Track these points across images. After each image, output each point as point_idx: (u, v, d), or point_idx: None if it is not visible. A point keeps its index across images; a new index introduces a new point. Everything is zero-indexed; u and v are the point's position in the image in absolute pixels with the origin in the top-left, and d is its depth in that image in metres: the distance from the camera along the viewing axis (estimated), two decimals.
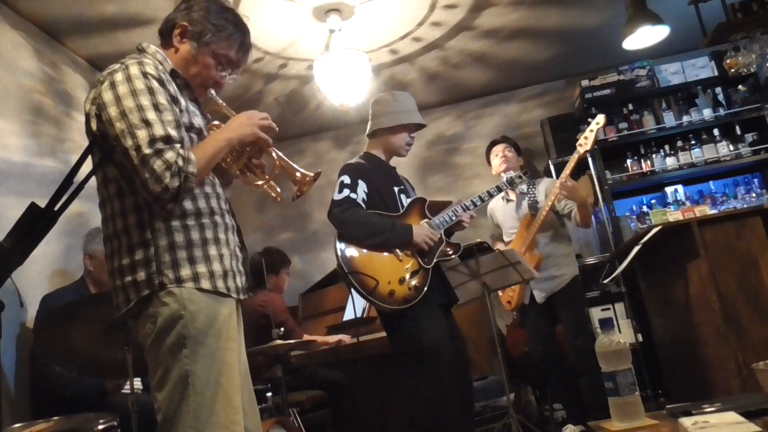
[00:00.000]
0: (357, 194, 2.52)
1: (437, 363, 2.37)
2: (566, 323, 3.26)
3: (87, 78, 3.57)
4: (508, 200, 3.52)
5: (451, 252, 2.65)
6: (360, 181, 2.56)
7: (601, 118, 3.20)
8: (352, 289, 2.46)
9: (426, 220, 2.66)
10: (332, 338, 3.64)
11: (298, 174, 1.66)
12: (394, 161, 2.80)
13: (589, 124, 4.54)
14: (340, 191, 2.52)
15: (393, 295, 2.43)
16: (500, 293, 3.50)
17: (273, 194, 1.71)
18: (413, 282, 2.48)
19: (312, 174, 1.67)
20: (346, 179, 2.55)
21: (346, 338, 3.62)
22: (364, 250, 2.49)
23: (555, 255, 3.30)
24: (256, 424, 1.61)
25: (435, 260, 2.58)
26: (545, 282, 3.28)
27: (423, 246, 2.54)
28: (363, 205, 2.53)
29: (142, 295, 1.43)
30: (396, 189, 2.68)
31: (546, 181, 3.52)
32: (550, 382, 3.45)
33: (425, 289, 2.47)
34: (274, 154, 1.68)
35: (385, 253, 2.51)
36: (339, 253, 2.47)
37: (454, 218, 2.67)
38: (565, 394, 3.32)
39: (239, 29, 1.71)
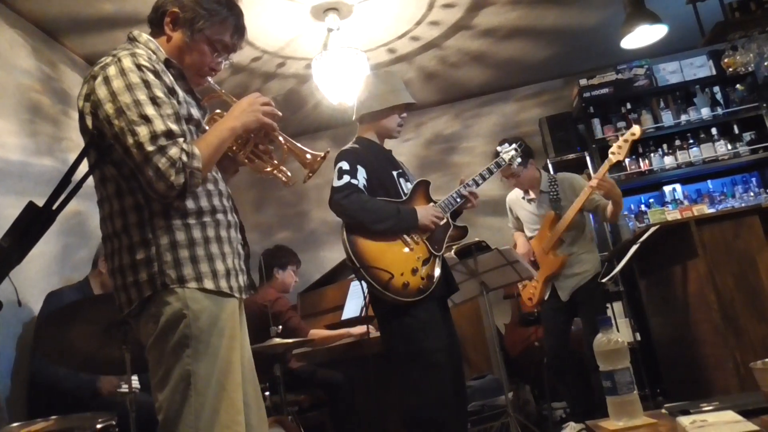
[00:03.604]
0: (357, 180, 2.42)
1: (434, 364, 2.33)
2: (585, 318, 3.25)
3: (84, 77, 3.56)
4: (530, 199, 3.45)
5: (458, 236, 2.60)
6: (359, 167, 2.45)
7: (636, 130, 3.14)
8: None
9: (431, 203, 2.57)
10: (356, 330, 3.47)
11: (308, 155, 1.63)
12: (389, 145, 2.71)
13: (587, 124, 4.64)
14: (340, 177, 2.41)
15: (407, 287, 2.34)
16: (521, 287, 3.49)
17: (284, 178, 1.68)
18: (425, 271, 2.40)
19: (322, 153, 1.64)
20: (345, 165, 2.44)
21: (354, 331, 3.55)
22: (374, 242, 2.39)
23: (578, 252, 3.28)
24: (261, 419, 1.59)
25: (445, 246, 2.52)
26: (569, 279, 3.26)
27: (430, 226, 2.46)
28: (365, 191, 2.43)
29: (144, 296, 1.41)
30: (394, 173, 2.59)
31: (569, 177, 3.45)
32: (556, 377, 3.43)
33: (436, 277, 2.41)
34: (280, 138, 1.64)
35: (396, 243, 2.42)
36: (349, 246, 2.37)
37: (459, 199, 2.59)
38: (572, 391, 3.30)
39: (233, 12, 1.64)
